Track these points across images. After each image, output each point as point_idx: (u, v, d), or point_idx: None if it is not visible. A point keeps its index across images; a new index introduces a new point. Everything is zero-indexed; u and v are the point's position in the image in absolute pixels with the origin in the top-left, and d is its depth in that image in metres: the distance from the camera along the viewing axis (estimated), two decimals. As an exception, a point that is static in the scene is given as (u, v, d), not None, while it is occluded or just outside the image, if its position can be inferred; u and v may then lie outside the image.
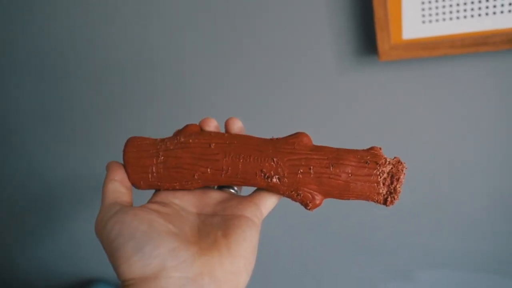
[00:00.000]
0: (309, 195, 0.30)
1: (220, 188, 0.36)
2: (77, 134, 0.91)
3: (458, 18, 0.52)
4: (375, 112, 0.65)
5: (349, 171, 0.29)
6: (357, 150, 0.31)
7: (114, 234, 0.27)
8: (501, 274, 0.74)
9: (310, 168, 0.30)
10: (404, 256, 0.79)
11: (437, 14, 0.53)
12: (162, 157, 0.32)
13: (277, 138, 0.32)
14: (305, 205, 0.31)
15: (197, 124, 0.34)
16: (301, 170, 0.30)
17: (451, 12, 0.52)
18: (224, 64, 0.70)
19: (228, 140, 0.32)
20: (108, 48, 0.76)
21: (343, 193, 0.30)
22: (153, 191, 0.35)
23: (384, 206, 0.30)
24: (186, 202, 0.33)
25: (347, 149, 0.31)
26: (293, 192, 0.30)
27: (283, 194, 0.31)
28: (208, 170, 0.31)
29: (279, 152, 0.31)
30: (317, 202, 0.30)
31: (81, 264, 1.14)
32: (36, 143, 0.96)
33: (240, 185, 0.32)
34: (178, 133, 0.34)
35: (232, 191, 0.36)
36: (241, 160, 0.31)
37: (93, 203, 1.01)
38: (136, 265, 0.26)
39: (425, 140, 0.65)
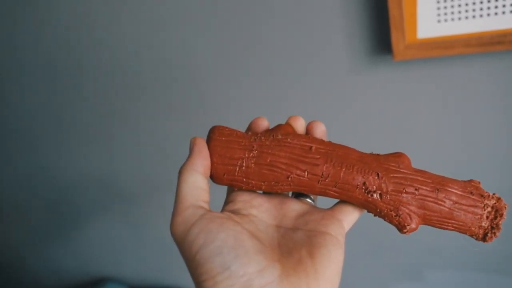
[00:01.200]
0: (408, 217, 0.29)
1: (297, 196, 0.34)
2: (88, 135, 0.91)
3: (474, 17, 0.52)
4: (388, 112, 0.65)
5: (454, 199, 0.28)
6: (458, 180, 0.30)
7: (198, 245, 0.25)
8: (505, 274, 0.73)
9: (416, 189, 0.29)
10: (413, 256, 0.79)
11: (452, 13, 0.52)
12: (256, 151, 0.30)
13: (377, 154, 0.30)
14: (402, 227, 0.29)
15: (290, 125, 0.33)
16: (406, 190, 0.29)
17: (466, 11, 0.52)
18: (237, 64, 0.70)
19: (329, 147, 0.30)
20: (121, 49, 0.77)
21: (443, 220, 0.29)
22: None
23: (481, 242, 0.30)
24: (265, 214, 0.30)
25: (448, 177, 0.30)
26: (392, 212, 0.29)
27: (379, 212, 0.29)
28: (306, 173, 0.29)
29: (384, 167, 0.29)
30: (414, 226, 0.29)
31: (92, 263, 1.15)
32: (48, 144, 0.97)
33: (333, 196, 0.30)
34: (271, 131, 0.32)
35: (309, 200, 0.33)
36: (344, 169, 0.29)
37: (104, 204, 1.02)
38: (222, 284, 0.24)
39: (439, 139, 0.65)
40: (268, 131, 0.32)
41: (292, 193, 0.34)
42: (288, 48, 0.66)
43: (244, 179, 0.30)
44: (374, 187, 0.29)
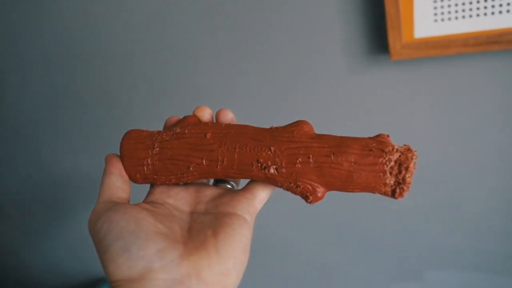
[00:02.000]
0: (309, 187, 0.28)
1: (217, 183, 0.35)
2: (86, 133, 0.91)
3: (471, 16, 0.52)
4: (385, 111, 0.65)
5: (352, 160, 0.27)
6: (362, 138, 0.28)
7: (103, 233, 0.27)
8: (505, 274, 0.73)
9: (309, 157, 0.27)
10: (413, 256, 0.78)
11: (449, 12, 0.52)
12: (157, 149, 0.31)
13: (276, 127, 0.30)
14: (306, 198, 0.28)
15: (196, 116, 0.33)
16: (300, 160, 0.28)
17: (463, 10, 0.52)
18: (235, 65, 0.70)
19: (225, 129, 0.31)
20: (120, 49, 0.77)
21: (346, 184, 0.27)
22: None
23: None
24: (180, 201, 0.32)
25: (350, 137, 0.28)
26: (292, 184, 0.28)
27: (281, 186, 0.29)
28: (204, 161, 0.30)
29: (277, 140, 0.29)
30: (319, 194, 0.28)
31: (90, 263, 1.16)
32: (45, 142, 0.97)
33: (237, 177, 0.30)
34: (175, 124, 0.33)
35: (229, 186, 0.35)
36: (237, 150, 0.29)
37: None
38: (123, 266, 0.25)
39: (436, 139, 0.65)
40: (171, 126, 0.33)
41: (213, 180, 0.35)
42: (286, 48, 0.66)
43: (154, 176, 0.32)
44: (269, 162, 0.28)
